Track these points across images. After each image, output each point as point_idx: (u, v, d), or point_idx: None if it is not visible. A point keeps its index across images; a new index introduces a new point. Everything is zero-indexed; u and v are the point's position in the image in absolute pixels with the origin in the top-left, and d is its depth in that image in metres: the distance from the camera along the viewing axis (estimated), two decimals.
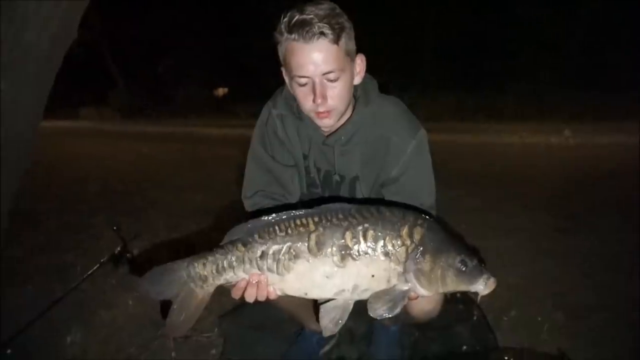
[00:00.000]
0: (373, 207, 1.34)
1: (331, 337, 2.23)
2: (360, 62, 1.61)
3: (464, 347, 2.19)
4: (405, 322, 2.05)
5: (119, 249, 2.66)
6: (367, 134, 1.68)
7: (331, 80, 1.51)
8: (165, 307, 1.39)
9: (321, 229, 1.29)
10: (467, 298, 2.48)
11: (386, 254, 1.29)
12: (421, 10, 18.74)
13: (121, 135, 14.15)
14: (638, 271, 2.85)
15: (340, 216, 1.31)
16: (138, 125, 17.43)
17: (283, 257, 1.30)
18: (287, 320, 2.26)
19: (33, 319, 2.28)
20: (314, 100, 1.52)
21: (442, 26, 18.77)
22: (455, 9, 18.36)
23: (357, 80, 1.63)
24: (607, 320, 2.42)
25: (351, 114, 1.66)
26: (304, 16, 1.44)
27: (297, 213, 1.34)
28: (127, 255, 2.69)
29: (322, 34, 1.44)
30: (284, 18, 1.48)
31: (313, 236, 1.29)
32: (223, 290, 2.79)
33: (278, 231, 1.31)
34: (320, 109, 1.54)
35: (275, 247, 1.30)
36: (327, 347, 2.21)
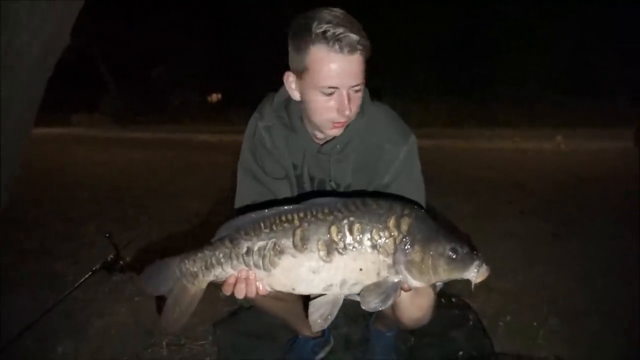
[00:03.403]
0: (359, 200, 1.33)
1: (326, 343, 2.21)
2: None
3: (460, 353, 2.18)
4: (399, 328, 2.04)
5: (111, 256, 2.63)
6: (360, 141, 1.69)
7: (356, 92, 1.53)
8: (163, 303, 1.42)
9: (306, 224, 1.29)
10: (462, 303, 2.48)
11: (374, 246, 1.28)
12: (412, 16, 18.83)
13: (113, 141, 14.08)
14: (632, 275, 2.87)
15: (326, 211, 1.30)
16: (130, 132, 17.37)
17: (268, 253, 1.31)
18: (281, 327, 2.24)
19: (24, 328, 2.25)
20: (338, 111, 1.53)
21: (433, 31, 18.85)
22: (446, 15, 18.47)
23: None
24: (602, 325, 2.43)
25: None
26: (339, 29, 1.44)
27: (284, 209, 1.34)
28: (120, 263, 2.66)
29: (359, 48, 1.46)
30: (315, 27, 1.45)
31: (298, 231, 1.29)
32: (216, 298, 2.77)
33: (263, 227, 1.32)
34: (342, 119, 1.56)
35: (260, 243, 1.32)
36: (322, 354, 2.19)
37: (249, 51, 21.56)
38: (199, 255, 1.37)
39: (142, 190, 6.14)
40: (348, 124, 1.65)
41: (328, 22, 1.45)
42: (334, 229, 1.28)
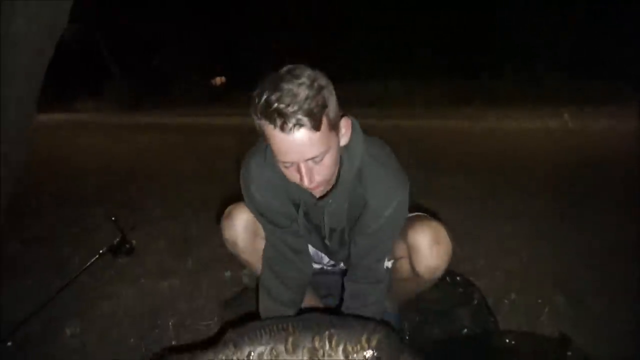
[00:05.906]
0: (342, 317, 1.63)
1: None
2: (345, 125, 1.54)
3: (465, 331, 2.19)
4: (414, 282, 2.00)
5: (117, 240, 2.65)
6: (352, 194, 1.71)
7: (317, 162, 1.46)
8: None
9: (297, 332, 1.52)
10: (467, 281, 2.48)
11: (346, 357, 1.48)
12: None
13: (118, 126, 14.09)
14: (638, 255, 2.85)
15: (314, 323, 1.54)
16: (135, 117, 17.35)
17: (267, 358, 1.51)
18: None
19: (32, 312, 2.28)
20: (300, 180, 1.49)
21: (437, 11, 18.56)
22: None
23: (344, 141, 1.56)
24: (607, 303, 2.42)
25: (337, 177, 1.64)
26: (280, 105, 1.32)
27: (284, 318, 1.65)
28: (126, 246, 2.68)
29: (301, 125, 1.34)
30: (258, 100, 1.36)
31: (290, 338, 1.51)
32: (222, 279, 2.78)
33: (264, 334, 1.54)
34: (310, 186, 1.51)
35: (260, 348, 1.52)
36: None
37: (252, 34, 21.39)
38: (204, 358, 1.56)
39: (146, 174, 6.16)
40: (338, 180, 1.63)
41: (270, 94, 1.34)
42: (317, 338, 1.49)
